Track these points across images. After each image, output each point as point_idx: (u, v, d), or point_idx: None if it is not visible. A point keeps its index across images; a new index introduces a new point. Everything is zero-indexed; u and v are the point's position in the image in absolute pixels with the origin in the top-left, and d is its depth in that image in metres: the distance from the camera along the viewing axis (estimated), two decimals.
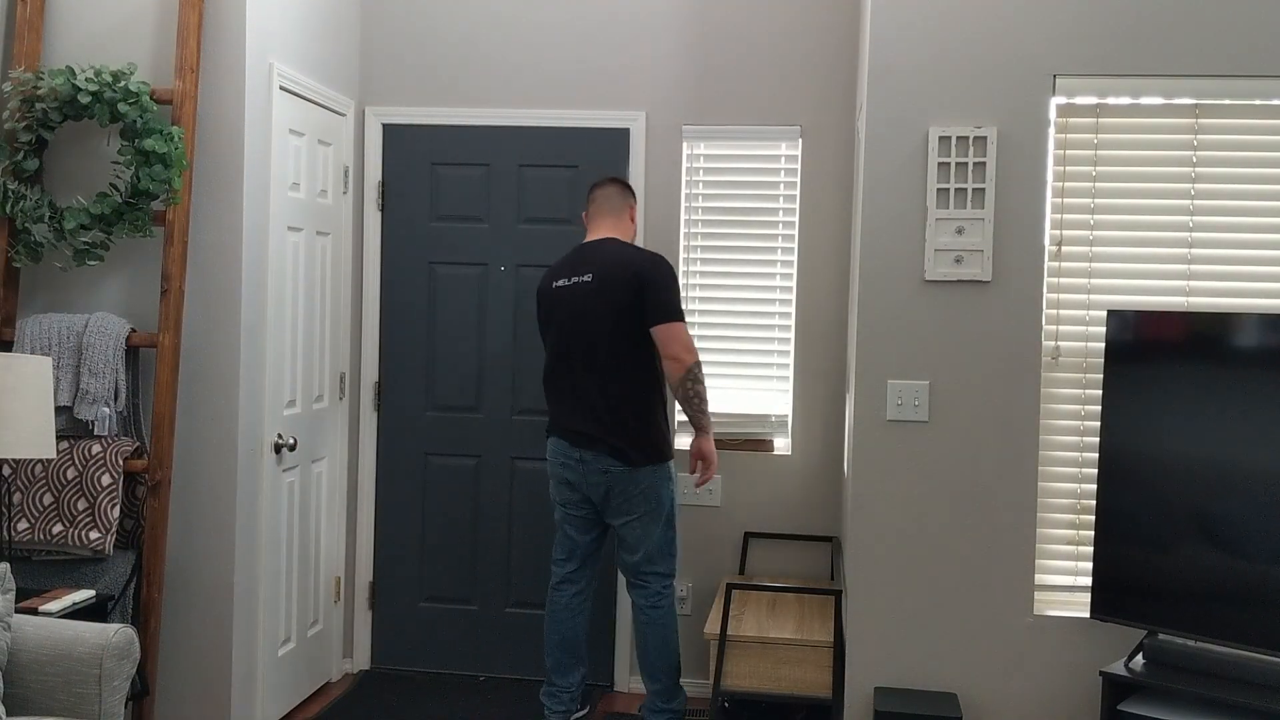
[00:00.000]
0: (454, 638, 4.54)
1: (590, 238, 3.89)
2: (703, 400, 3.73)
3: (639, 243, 4.28)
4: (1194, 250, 3.39)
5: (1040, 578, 3.44)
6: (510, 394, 4.48)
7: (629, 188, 3.95)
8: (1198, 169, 3.38)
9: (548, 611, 3.93)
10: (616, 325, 3.69)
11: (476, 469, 4.50)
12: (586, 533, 3.88)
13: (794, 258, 4.29)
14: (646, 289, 3.68)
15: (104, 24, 3.56)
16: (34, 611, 3.01)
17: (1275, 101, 3.34)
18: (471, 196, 4.48)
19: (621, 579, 4.37)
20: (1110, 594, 3.15)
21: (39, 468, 3.38)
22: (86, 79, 3.35)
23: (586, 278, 3.75)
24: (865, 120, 3.51)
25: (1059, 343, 3.44)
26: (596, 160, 4.45)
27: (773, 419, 4.32)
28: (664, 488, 3.77)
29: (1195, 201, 3.39)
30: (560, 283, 3.80)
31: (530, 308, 4.44)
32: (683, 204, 4.33)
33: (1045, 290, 3.41)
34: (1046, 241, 3.41)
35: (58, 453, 3.31)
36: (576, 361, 3.75)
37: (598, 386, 3.71)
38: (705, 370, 4.07)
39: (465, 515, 4.51)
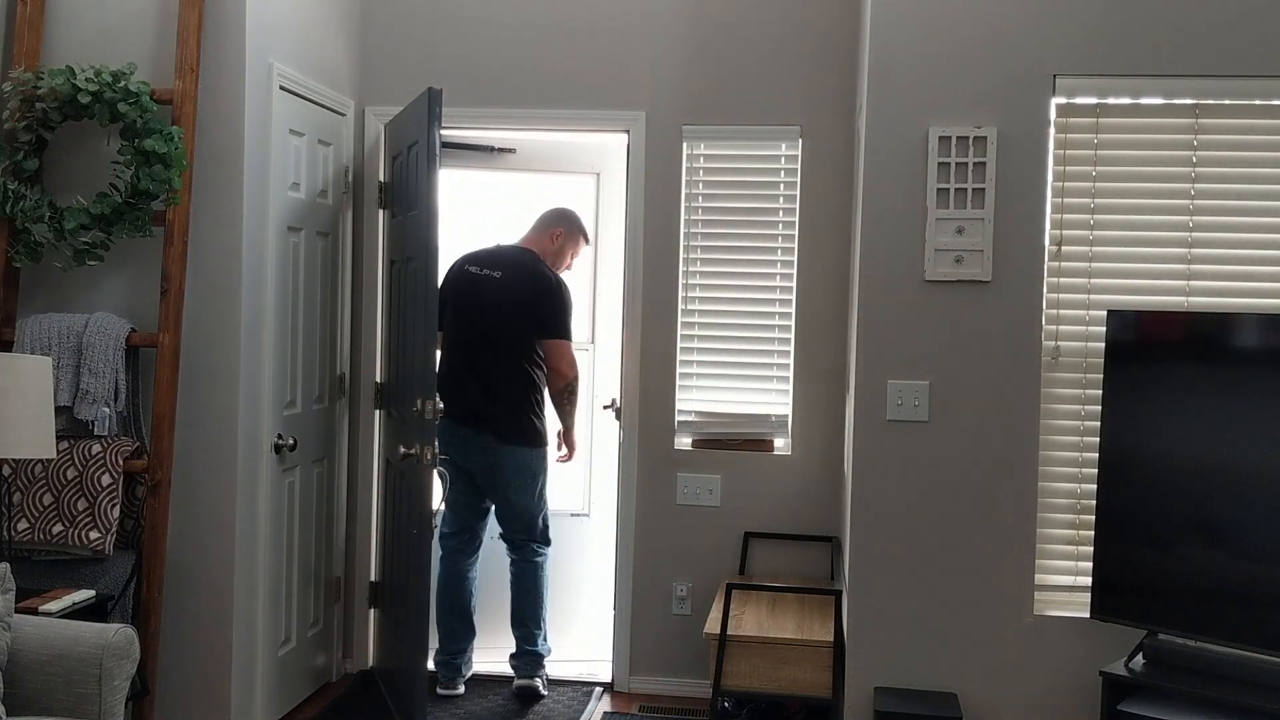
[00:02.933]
0: None
1: (513, 243, 4.41)
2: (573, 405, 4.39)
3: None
4: (1194, 250, 3.39)
5: (1040, 578, 3.44)
6: None
7: (565, 218, 4.44)
8: (1198, 169, 3.38)
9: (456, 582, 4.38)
10: (511, 321, 4.23)
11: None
12: None
13: (794, 258, 4.29)
14: (543, 303, 4.26)
15: (104, 24, 3.56)
16: (34, 611, 3.01)
17: (1275, 101, 3.34)
18: None
19: (614, 572, 4.41)
20: (1110, 594, 3.15)
21: (39, 468, 3.38)
22: (86, 79, 3.35)
23: (496, 274, 4.27)
24: (865, 120, 3.51)
25: (1059, 343, 3.44)
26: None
27: (773, 419, 4.32)
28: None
29: (1195, 201, 3.39)
30: (472, 269, 4.31)
31: None
32: (683, 204, 4.33)
33: (1045, 290, 3.41)
34: (1046, 241, 3.41)
35: (58, 453, 3.31)
36: (475, 345, 4.25)
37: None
38: (706, 370, 4.35)
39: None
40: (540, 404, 4.30)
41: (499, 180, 4.80)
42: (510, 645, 4.39)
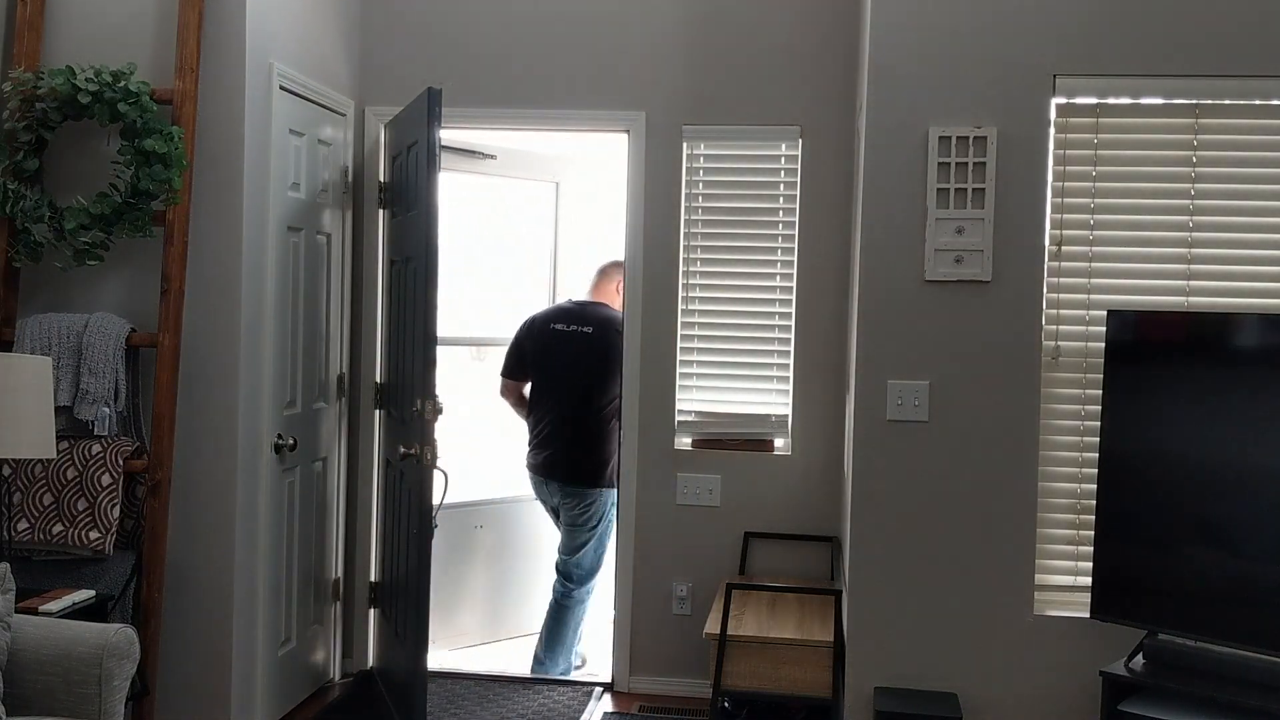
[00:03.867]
0: None
1: (586, 298, 4.75)
2: None
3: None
4: (1194, 250, 3.39)
5: (1040, 578, 3.44)
6: None
7: (622, 267, 4.51)
8: (1198, 169, 3.38)
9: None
10: (607, 372, 4.51)
11: None
12: None
13: (794, 258, 4.29)
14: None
15: (104, 24, 3.56)
16: (34, 611, 3.01)
17: (1275, 101, 3.34)
18: None
19: (614, 572, 4.42)
20: (1110, 594, 3.15)
21: (39, 468, 3.38)
22: (86, 79, 3.35)
23: (587, 329, 4.58)
24: (865, 120, 3.51)
25: (1059, 343, 3.44)
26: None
27: (773, 419, 4.32)
28: None
29: (1195, 201, 3.39)
30: (559, 327, 4.60)
31: None
32: (683, 204, 4.32)
33: (1045, 290, 3.41)
34: (1046, 241, 3.41)
35: (58, 453, 3.31)
36: (570, 396, 4.55)
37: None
38: (706, 370, 4.38)
39: None
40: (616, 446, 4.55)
41: (473, 183, 4.88)
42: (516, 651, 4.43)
